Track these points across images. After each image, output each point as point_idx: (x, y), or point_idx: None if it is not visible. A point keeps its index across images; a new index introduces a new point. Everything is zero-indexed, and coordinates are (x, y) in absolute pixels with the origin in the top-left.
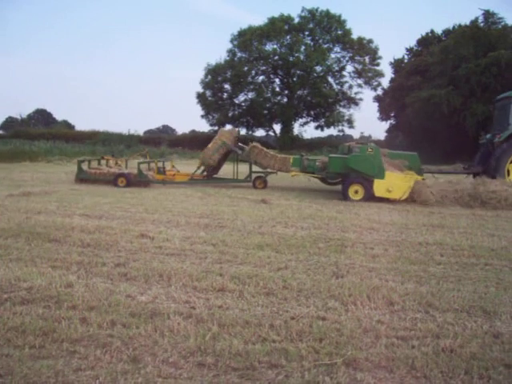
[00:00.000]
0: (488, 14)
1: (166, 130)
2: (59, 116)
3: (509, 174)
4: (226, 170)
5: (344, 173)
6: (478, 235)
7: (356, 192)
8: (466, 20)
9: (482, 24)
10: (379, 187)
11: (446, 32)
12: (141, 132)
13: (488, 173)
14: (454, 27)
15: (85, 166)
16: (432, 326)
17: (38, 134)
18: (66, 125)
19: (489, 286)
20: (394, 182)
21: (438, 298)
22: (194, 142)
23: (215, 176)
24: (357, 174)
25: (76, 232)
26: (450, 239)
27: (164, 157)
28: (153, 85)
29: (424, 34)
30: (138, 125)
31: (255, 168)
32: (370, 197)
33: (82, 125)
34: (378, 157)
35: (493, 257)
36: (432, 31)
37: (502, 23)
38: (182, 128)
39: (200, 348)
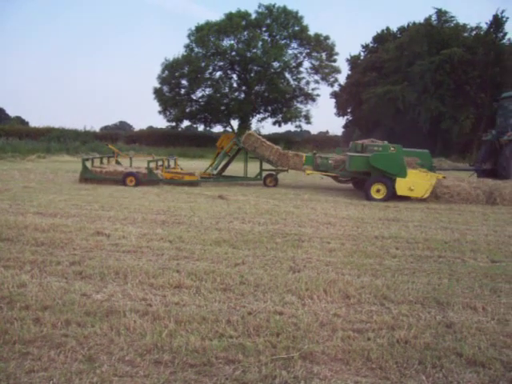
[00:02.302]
0: (441, 13)
1: (123, 126)
2: (12, 112)
3: None
4: (236, 168)
5: (364, 171)
6: (432, 228)
7: (378, 191)
8: (420, 18)
9: (435, 22)
10: (401, 186)
11: (401, 29)
12: (97, 128)
13: (498, 171)
14: (408, 25)
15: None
16: (387, 318)
17: None
18: (20, 121)
19: (442, 277)
20: (416, 181)
21: (393, 291)
22: (152, 138)
23: (225, 174)
24: (379, 173)
25: (29, 230)
26: (405, 232)
27: (172, 155)
28: (109, 80)
29: (379, 31)
30: (94, 121)
31: (265, 166)
32: (391, 195)
33: (36, 121)
34: (401, 155)
35: (446, 249)
36: (387, 28)
37: (454, 22)
38: (139, 124)
39: (156, 345)
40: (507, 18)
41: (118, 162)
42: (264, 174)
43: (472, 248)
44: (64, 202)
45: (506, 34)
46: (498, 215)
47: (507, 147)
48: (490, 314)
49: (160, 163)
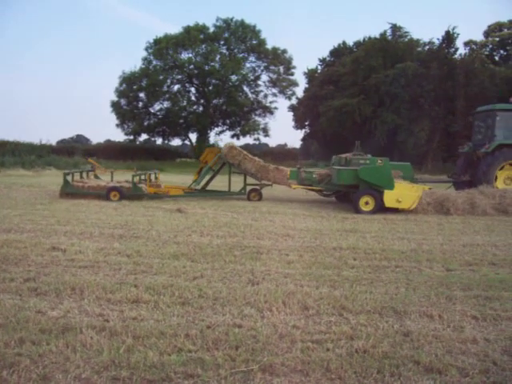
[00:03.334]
0: (395, 28)
1: (80, 139)
2: None
3: (495, 181)
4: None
5: (352, 185)
6: (389, 239)
7: (366, 203)
8: (375, 33)
9: (390, 37)
10: (389, 198)
11: (357, 44)
12: (53, 142)
13: (477, 182)
14: (364, 39)
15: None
16: (346, 329)
17: None
18: None
19: (399, 287)
20: (404, 193)
21: (352, 301)
22: (109, 152)
23: (209, 189)
24: (367, 186)
25: None
26: (363, 243)
27: (153, 170)
28: (65, 93)
29: (336, 45)
30: (50, 134)
31: (250, 180)
32: (380, 208)
33: None
34: (388, 168)
35: (403, 259)
36: (344, 43)
37: (408, 37)
38: (96, 137)
39: (114, 362)
40: (458, 34)
41: (96, 176)
42: (248, 188)
43: (428, 257)
44: (19, 217)
45: (457, 49)
46: (453, 225)
47: (484, 159)
48: (445, 321)
49: (143, 177)
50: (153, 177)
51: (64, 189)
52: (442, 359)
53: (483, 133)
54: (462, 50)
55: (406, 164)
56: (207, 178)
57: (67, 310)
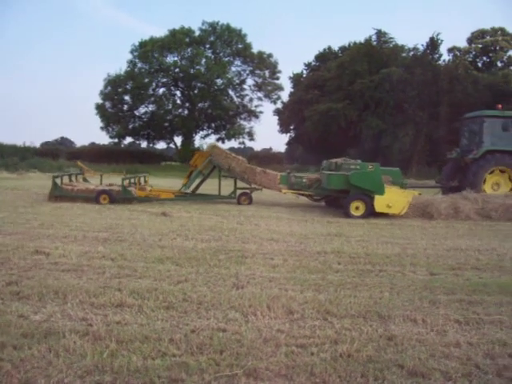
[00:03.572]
0: (380, 34)
1: (65, 142)
2: None
3: (483, 187)
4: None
5: (342, 190)
6: (374, 243)
7: (357, 208)
8: (360, 38)
9: (375, 42)
10: (380, 203)
11: (343, 49)
12: (37, 144)
13: (465, 187)
14: (349, 44)
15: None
16: (330, 333)
17: None
18: None
19: (383, 291)
20: (394, 198)
21: (336, 305)
22: (94, 155)
23: (200, 193)
24: (358, 191)
25: None
26: (347, 247)
27: (142, 173)
28: (50, 95)
29: (322, 50)
30: (34, 136)
31: (240, 184)
32: (370, 213)
33: None
34: (379, 173)
35: (387, 263)
36: (329, 48)
37: (393, 43)
38: (81, 140)
39: (97, 366)
40: (442, 40)
41: (85, 180)
42: (238, 192)
43: (412, 261)
44: (1, 220)
45: (441, 55)
46: (437, 229)
47: (472, 165)
48: (429, 325)
49: (133, 181)
50: (142, 180)
51: (53, 192)
52: (426, 363)
53: (471, 139)
54: (445, 57)
55: (395, 169)
56: (197, 181)
57: (50, 314)
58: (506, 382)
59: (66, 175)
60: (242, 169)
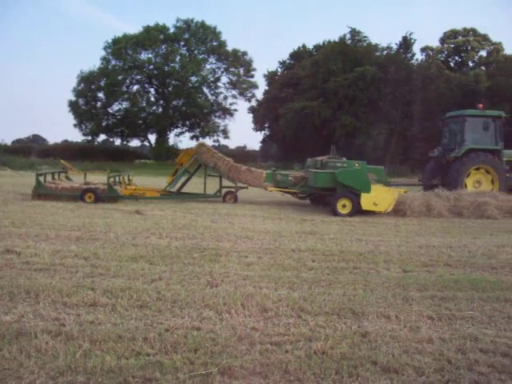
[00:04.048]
0: (354, 32)
1: (37, 139)
2: None
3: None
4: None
5: (329, 188)
6: (347, 240)
7: (344, 206)
8: (335, 36)
9: (349, 41)
10: (366, 201)
11: (317, 47)
12: (8, 141)
13: (447, 185)
14: (324, 43)
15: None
16: (304, 330)
17: None
18: None
19: (357, 288)
20: (380, 196)
21: (310, 303)
22: (67, 153)
23: (184, 191)
24: (345, 189)
25: None
26: (321, 245)
27: (127, 171)
28: (21, 91)
29: (296, 48)
30: (5, 134)
31: (225, 183)
32: (357, 210)
33: None
34: (365, 171)
35: (361, 260)
36: (304, 46)
37: (367, 41)
38: (53, 138)
39: (70, 367)
40: (415, 40)
41: (68, 178)
42: (224, 190)
43: (385, 259)
44: None
45: (414, 54)
46: (410, 226)
47: (454, 164)
48: (402, 322)
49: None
50: (126, 179)
51: (37, 190)
52: (399, 359)
53: (452, 138)
54: (419, 56)
55: (379, 167)
56: (183, 179)
57: (21, 314)
58: (477, 377)
59: (49, 173)
60: (227, 167)
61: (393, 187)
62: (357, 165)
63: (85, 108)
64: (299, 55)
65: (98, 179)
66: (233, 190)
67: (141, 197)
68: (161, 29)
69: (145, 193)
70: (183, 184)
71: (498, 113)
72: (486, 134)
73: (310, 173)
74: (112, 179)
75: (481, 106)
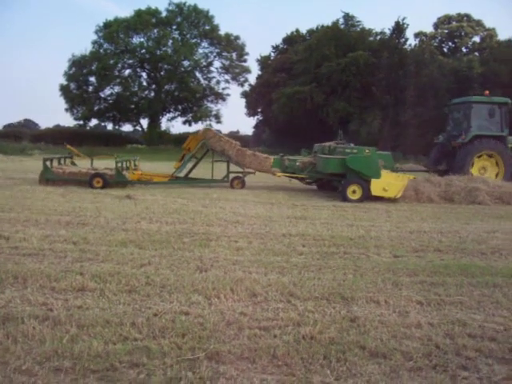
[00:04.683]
0: (348, 17)
1: (28, 124)
2: None
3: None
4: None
5: (339, 173)
6: (338, 225)
7: (354, 192)
8: (328, 21)
9: (342, 26)
10: (376, 187)
11: (310, 32)
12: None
13: (453, 171)
14: (317, 27)
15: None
16: (293, 315)
17: None
18: None
19: (347, 273)
20: (390, 182)
21: (300, 288)
22: (59, 137)
23: (192, 176)
24: (354, 175)
25: None
26: (312, 230)
27: (133, 156)
28: (12, 76)
29: (289, 32)
30: None
31: (233, 168)
32: (367, 196)
33: None
34: (375, 157)
35: (351, 245)
36: (297, 30)
37: (360, 26)
38: (45, 122)
39: (57, 352)
40: (408, 24)
41: (73, 163)
42: (231, 176)
43: (376, 244)
44: None
45: (407, 39)
46: (401, 212)
47: (461, 150)
48: (391, 306)
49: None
50: (133, 164)
51: (44, 175)
52: (387, 344)
53: (458, 124)
54: (412, 41)
55: (387, 153)
56: (190, 165)
57: (9, 299)
58: (465, 361)
59: (55, 158)
60: (235, 151)
61: (400, 173)
62: (367, 151)
63: (76, 92)
64: (292, 40)
65: (99, 164)
66: (240, 175)
67: (149, 182)
68: (153, 12)
69: (152, 178)
70: (190, 169)
71: (505, 99)
72: (492, 120)
73: (319, 158)
74: (120, 164)
75: (487, 92)
